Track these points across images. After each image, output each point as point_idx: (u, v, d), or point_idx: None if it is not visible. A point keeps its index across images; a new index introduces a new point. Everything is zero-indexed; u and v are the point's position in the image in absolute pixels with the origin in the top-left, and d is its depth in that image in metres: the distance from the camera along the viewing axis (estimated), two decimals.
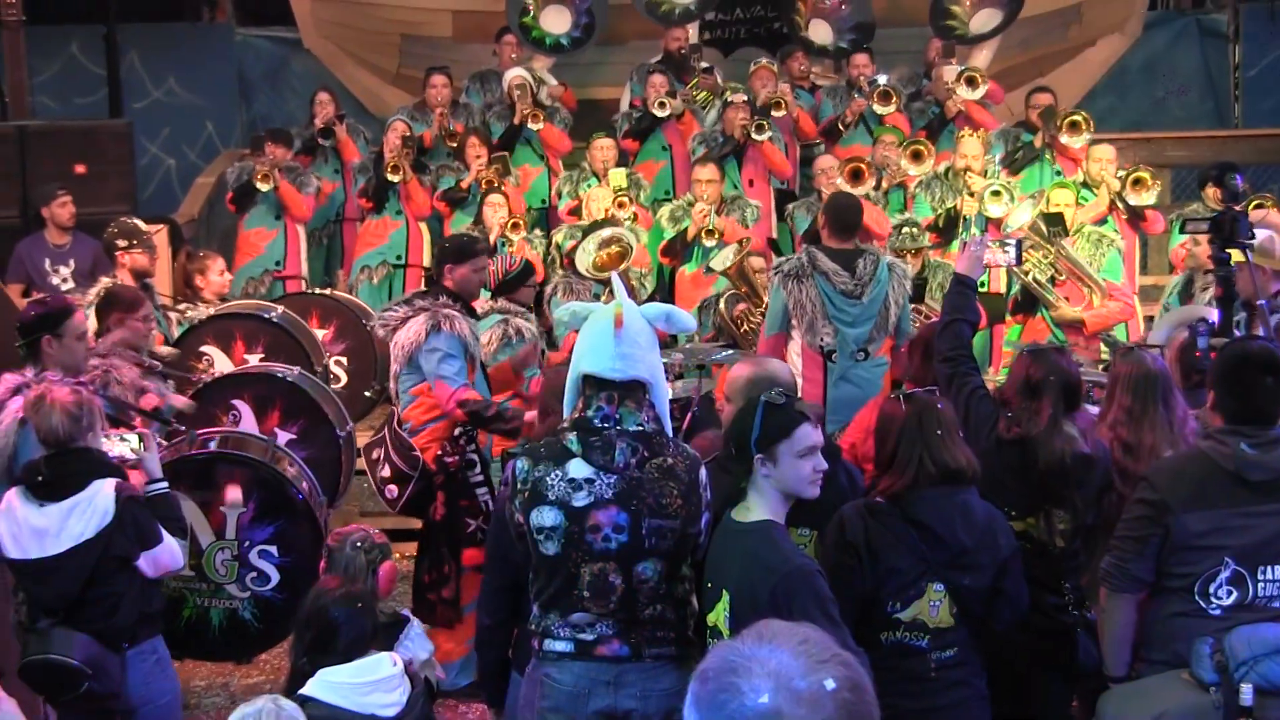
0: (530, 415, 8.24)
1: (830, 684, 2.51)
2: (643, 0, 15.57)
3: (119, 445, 6.79)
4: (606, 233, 11.13)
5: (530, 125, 14.24)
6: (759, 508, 5.24)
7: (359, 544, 6.30)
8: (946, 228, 12.11)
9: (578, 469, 5.32)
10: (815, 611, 5.01)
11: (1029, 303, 10.77)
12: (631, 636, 5.33)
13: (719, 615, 5.25)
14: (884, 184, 12.99)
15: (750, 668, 2.54)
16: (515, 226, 12.43)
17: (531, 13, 15.68)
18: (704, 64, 15.52)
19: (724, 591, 5.22)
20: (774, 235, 13.68)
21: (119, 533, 6.48)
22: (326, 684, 5.26)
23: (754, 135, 13.47)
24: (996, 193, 11.88)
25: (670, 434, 5.58)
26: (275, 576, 8.07)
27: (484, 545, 8.30)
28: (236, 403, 8.75)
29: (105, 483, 6.51)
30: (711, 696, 2.56)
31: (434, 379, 8.41)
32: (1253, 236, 7.29)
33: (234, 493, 8.05)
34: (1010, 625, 5.74)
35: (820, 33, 15.70)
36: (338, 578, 6.03)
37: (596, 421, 5.35)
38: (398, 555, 7.12)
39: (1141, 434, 6.39)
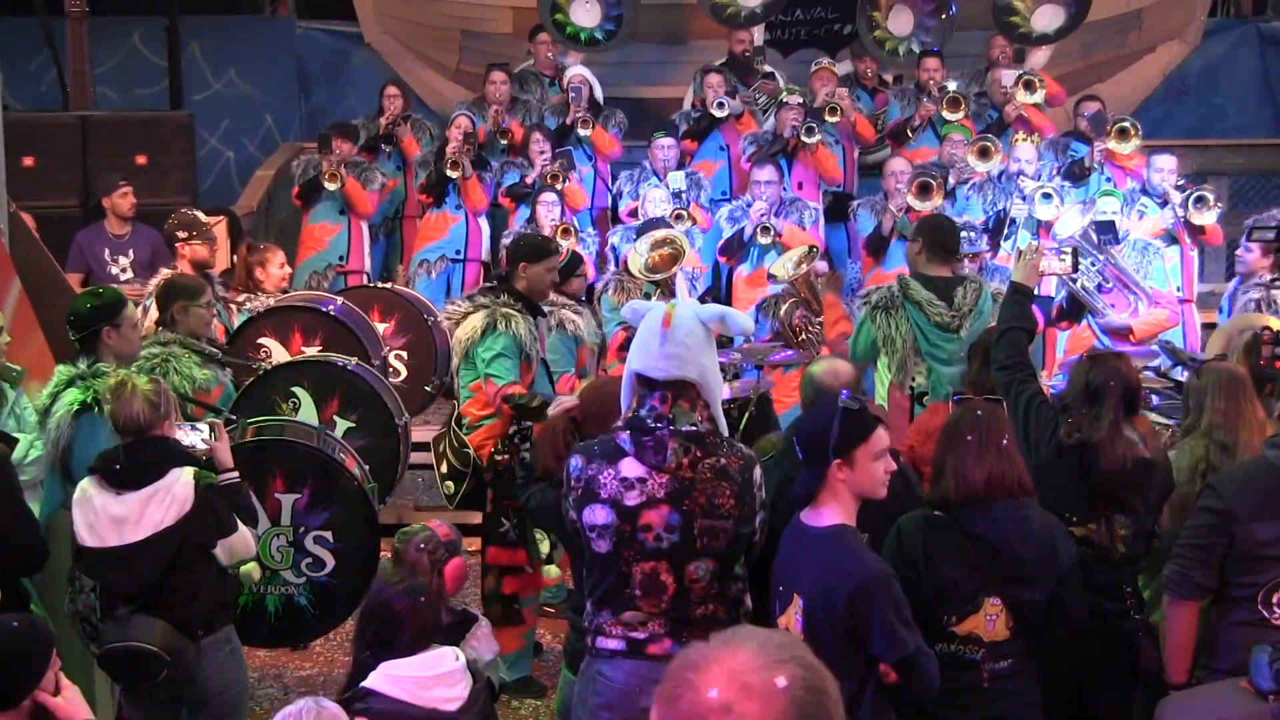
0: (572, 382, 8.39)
1: (781, 681, 2.49)
2: (708, 1, 15.51)
3: (190, 435, 6.85)
4: (660, 233, 11.09)
5: (580, 130, 14.23)
6: (833, 512, 5.26)
7: (422, 545, 6.30)
8: (995, 231, 12.04)
9: (630, 468, 5.33)
10: (891, 616, 5.05)
11: (1075, 309, 10.72)
12: (683, 636, 5.32)
13: (791, 619, 5.26)
14: (950, 180, 12.88)
15: (707, 664, 2.54)
16: (566, 232, 12.39)
17: (563, 9, 15.64)
18: (766, 68, 15.48)
19: (795, 595, 5.24)
20: (823, 239, 13.53)
21: (198, 521, 6.52)
22: (389, 677, 5.27)
23: (804, 138, 13.38)
24: (1047, 195, 11.82)
25: (725, 434, 5.58)
26: (330, 562, 8.09)
27: (512, 547, 8.46)
28: (296, 390, 8.78)
29: (184, 470, 6.55)
30: (668, 693, 2.57)
31: (484, 377, 8.46)
32: None
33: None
34: (1064, 635, 5.72)
35: (900, 22, 15.58)
36: (400, 572, 6.05)
37: (649, 421, 5.35)
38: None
39: (1238, 434, 6.31)
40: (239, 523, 6.71)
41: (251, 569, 6.95)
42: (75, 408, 7.16)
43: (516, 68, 15.61)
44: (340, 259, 13.61)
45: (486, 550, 8.69)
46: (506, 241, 11.56)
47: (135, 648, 6.45)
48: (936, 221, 8.89)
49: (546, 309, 9.27)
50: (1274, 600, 5.51)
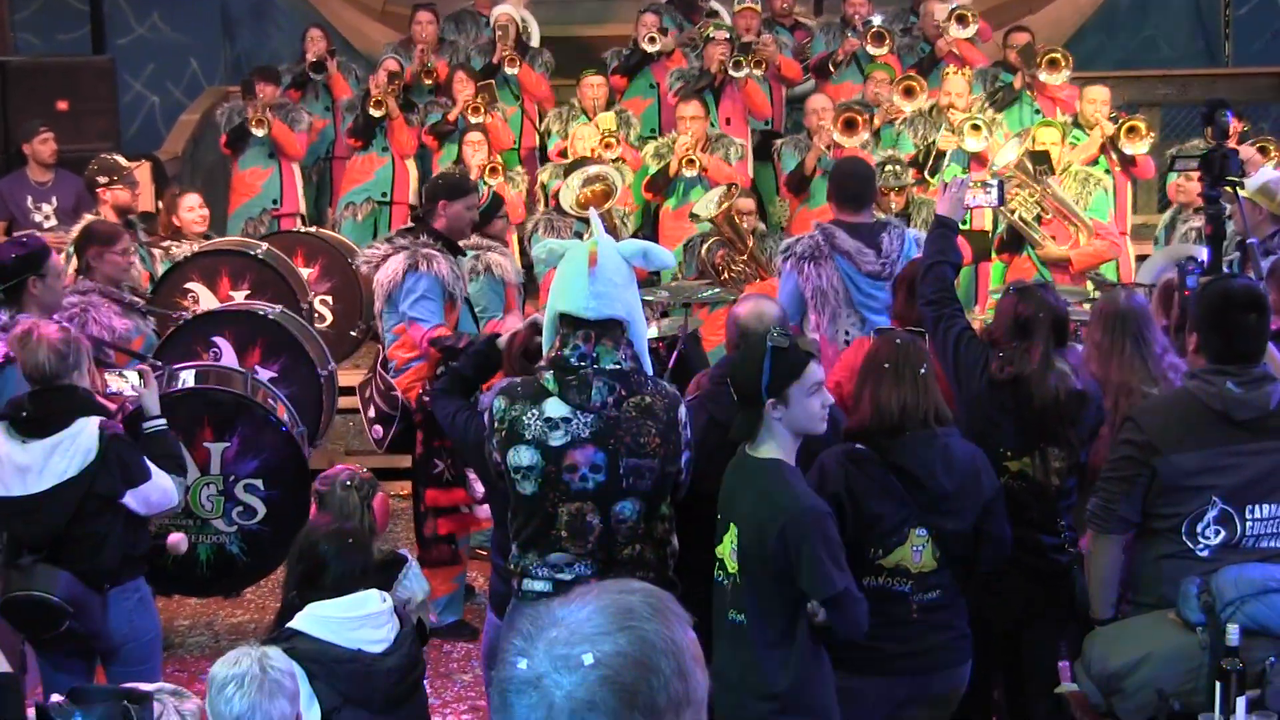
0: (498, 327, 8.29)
1: (589, 658, 2.39)
2: None
3: (118, 382, 6.81)
4: (591, 170, 11.06)
5: (507, 69, 14.07)
6: (770, 450, 5.24)
7: (348, 483, 6.27)
8: (927, 164, 11.98)
9: (554, 408, 5.32)
10: (823, 554, 5.05)
11: (1015, 241, 10.71)
12: (610, 576, 5.26)
13: (725, 548, 5.27)
14: (875, 121, 12.81)
15: (540, 631, 2.45)
16: (494, 171, 12.30)
17: None
18: (712, 4, 15.38)
19: (731, 524, 5.23)
20: (751, 176, 13.47)
21: (104, 471, 6.45)
22: (315, 618, 5.25)
23: (731, 72, 13.28)
24: (976, 127, 11.76)
25: (649, 372, 5.55)
26: (261, 510, 8.12)
27: (448, 488, 8.38)
28: (217, 340, 8.72)
29: (89, 420, 6.46)
30: (501, 653, 2.51)
31: (408, 319, 8.37)
32: (1243, 174, 7.21)
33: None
34: (994, 566, 5.73)
35: None
36: (329, 515, 6.01)
37: (573, 360, 5.34)
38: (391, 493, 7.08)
39: (1109, 370, 6.31)
40: (155, 471, 6.62)
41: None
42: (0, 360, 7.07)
43: (454, 9, 15.45)
44: (274, 202, 13.45)
45: (425, 493, 8.62)
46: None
47: (37, 597, 6.42)
48: (841, 167, 8.45)
49: (472, 253, 9.18)
50: (1197, 531, 5.50)
